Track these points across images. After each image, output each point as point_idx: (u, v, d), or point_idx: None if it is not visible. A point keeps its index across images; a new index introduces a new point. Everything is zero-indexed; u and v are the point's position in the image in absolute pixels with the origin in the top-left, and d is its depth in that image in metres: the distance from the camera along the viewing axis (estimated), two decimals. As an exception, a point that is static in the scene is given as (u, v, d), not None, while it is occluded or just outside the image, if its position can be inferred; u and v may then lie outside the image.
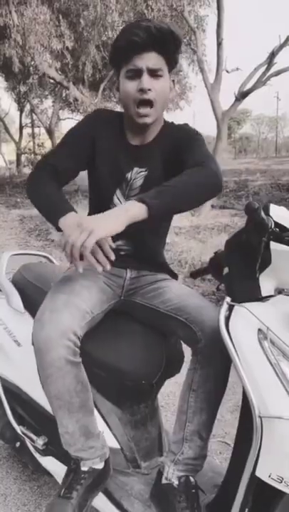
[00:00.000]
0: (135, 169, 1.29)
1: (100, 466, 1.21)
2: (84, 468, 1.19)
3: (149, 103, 1.19)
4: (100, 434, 1.23)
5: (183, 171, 1.15)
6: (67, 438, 1.18)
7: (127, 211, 1.02)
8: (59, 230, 1.14)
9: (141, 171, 1.30)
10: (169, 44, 1.17)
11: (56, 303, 1.15)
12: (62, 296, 1.17)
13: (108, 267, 1.08)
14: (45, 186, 1.24)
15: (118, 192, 1.31)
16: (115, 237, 1.33)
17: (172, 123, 1.36)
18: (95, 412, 1.33)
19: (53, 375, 1.10)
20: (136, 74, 1.17)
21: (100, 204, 1.34)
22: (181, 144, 1.25)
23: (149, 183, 1.28)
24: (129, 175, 1.29)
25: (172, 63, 1.23)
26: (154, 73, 1.17)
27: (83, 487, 1.16)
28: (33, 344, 1.13)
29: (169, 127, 1.33)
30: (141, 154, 1.30)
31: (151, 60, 1.16)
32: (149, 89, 1.17)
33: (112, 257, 1.09)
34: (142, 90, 1.17)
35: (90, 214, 1.41)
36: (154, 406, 1.44)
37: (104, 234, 1.00)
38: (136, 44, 1.14)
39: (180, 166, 1.20)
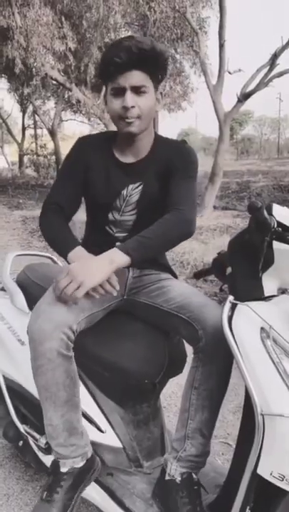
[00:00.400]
0: (130, 186, 1.32)
1: (81, 465, 1.21)
2: (63, 470, 1.20)
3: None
4: (84, 433, 1.24)
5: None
6: (50, 430, 1.21)
7: (112, 262, 1.12)
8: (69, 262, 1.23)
9: (136, 187, 1.32)
10: (150, 61, 1.20)
11: (54, 297, 1.18)
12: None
13: (115, 293, 1.18)
14: (53, 226, 1.33)
15: (113, 209, 1.35)
16: (121, 240, 1.35)
17: (167, 138, 1.39)
18: (98, 411, 1.34)
19: (44, 366, 1.13)
20: (120, 92, 1.21)
21: (96, 222, 1.41)
22: (174, 169, 1.29)
23: (146, 197, 1.32)
24: (124, 191, 1.33)
25: (157, 78, 1.26)
26: (137, 90, 1.21)
27: (64, 489, 1.17)
28: (27, 333, 1.15)
29: (162, 142, 1.36)
30: (134, 171, 1.33)
31: (133, 78, 1.19)
32: (133, 107, 1.20)
33: (117, 288, 1.18)
34: (125, 108, 1.20)
35: (87, 229, 1.47)
36: (156, 406, 1.45)
37: (92, 285, 1.10)
38: (117, 64, 1.18)
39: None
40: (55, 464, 1.21)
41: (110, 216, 1.36)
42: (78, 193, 1.37)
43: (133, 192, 1.33)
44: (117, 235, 1.37)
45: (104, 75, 1.25)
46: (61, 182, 1.39)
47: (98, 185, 1.34)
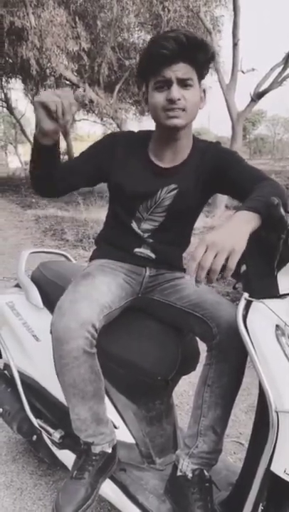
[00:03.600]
0: (165, 189, 1.29)
1: (109, 450, 1.25)
2: (95, 452, 1.23)
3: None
4: (109, 421, 1.27)
5: (229, 189, 1.25)
6: (78, 424, 1.22)
7: (248, 222, 0.96)
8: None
9: (170, 190, 1.30)
10: (198, 53, 1.16)
11: (76, 295, 1.18)
12: (83, 289, 1.20)
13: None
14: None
15: (142, 209, 1.33)
16: (137, 243, 1.35)
17: (204, 140, 1.35)
18: (112, 407, 1.35)
19: (70, 364, 1.14)
20: (165, 84, 1.17)
21: (120, 218, 1.37)
22: (225, 165, 1.25)
23: (179, 201, 1.30)
24: (157, 194, 1.30)
25: (202, 72, 1.22)
26: (183, 83, 1.17)
27: (95, 468, 1.21)
28: (51, 333, 1.16)
29: (202, 143, 1.33)
30: (170, 174, 1.30)
31: (180, 70, 1.15)
32: (179, 99, 1.16)
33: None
34: (171, 100, 1.16)
35: (107, 223, 1.45)
36: (169, 403, 1.45)
37: (242, 250, 0.92)
38: (165, 56, 1.13)
39: (216, 184, 1.27)
40: (88, 445, 1.24)
41: (137, 214, 1.33)
42: (84, 176, 1.32)
43: (167, 196, 1.29)
44: (140, 232, 1.35)
45: (147, 71, 1.20)
46: (76, 159, 1.35)
47: (128, 185, 1.31)
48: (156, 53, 1.14)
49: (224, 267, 0.91)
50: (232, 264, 0.90)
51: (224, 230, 0.94)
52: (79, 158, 1.35)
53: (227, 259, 0.91)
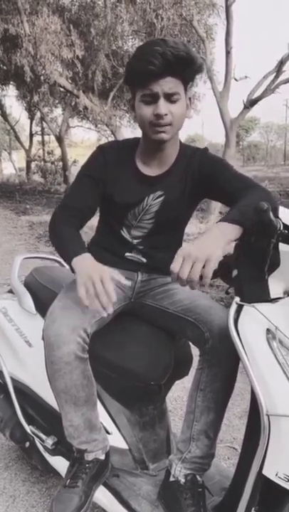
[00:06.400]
0: (151, 195, 1.30)
1: (103, 457, 1.25)
2: (88, 459, 1.23)
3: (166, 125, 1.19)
4: (101, 427, 1.27)
5: (217, 195, 1.28)
6: (71, 431, 1.22)
7: (225, 235, 1.01)
8: (73, 270, 1.15)
9: (157, 197, 1.31)
10: (185, 67, 1.16)
11: (67, 300, 1.19)
12: (73, 295, 1.19)
13: (110, 309, 1.09)
14: (62, 228, 1.28)
15: (130, 216, 1.33)
16: (128, 249, 1.36)
17: (190, 146, 1.35)
18: (105, 413, 1.35)
19: (62, 369, 1.14)
20: (152, 98, 1.17)
21: (109, 226, 1.38)
22: (212, 171, 1.26)
23: (166, 207, 1.31)
24: (144, 202, 1.31)
25: (188, 83, 1.22)
26: (170, 98, 1.16)
27: (88, 476, 1.21)
28: (43, 339, 1.15)
29: (189, 150, 1.33)
30: (157, 182, 1.30)
31: (167, 84, 1.15)
32: (166, 114, 1.16)
33: (114, 299, 1.09)
34: (158, 115, 1.16)
35: (97, 231, 1.46)
36: (162, 408, 1.45)
37: (218, 260, 0.97)
38: (152, 72, 1.13)
39: (204, 190, 1.28)
40: (81, 452, 1.23)
41: (126, 221, 1.34)
42: (95, 200, 1.34)
43: (153, 202, 1.31)
44: (130, 238, 1.36)
45: (134, 82, 1.20)
46: (78, 187, 1.34)
47: (116, 194, 1.31)
48: (144, 69, 1.13)
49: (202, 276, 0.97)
50: (207, 272, 0.96)
51: (199, 242, 1.00)
52: (85, 192, 1.32)
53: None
